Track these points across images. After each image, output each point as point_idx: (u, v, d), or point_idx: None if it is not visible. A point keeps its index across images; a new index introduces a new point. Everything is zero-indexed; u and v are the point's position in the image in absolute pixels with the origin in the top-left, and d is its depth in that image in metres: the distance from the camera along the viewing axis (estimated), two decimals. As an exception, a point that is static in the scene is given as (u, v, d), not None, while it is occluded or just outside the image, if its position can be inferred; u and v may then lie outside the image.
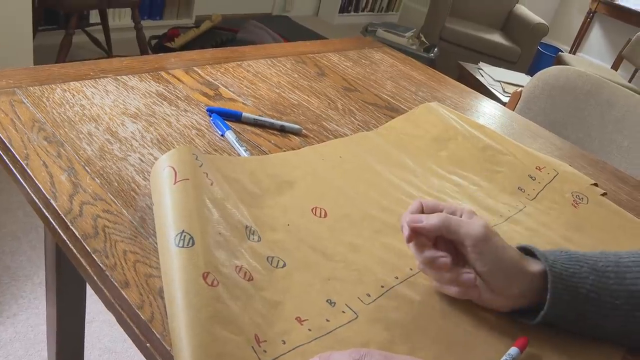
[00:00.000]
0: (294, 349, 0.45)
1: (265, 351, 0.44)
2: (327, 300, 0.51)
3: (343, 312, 0.50)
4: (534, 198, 0.78)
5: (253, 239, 0.55)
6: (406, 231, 0.53)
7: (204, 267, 0.46)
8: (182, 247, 0.47)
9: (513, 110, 1.31)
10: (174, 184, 0.53)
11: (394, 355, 0.43)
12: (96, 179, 0.60)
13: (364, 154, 0.77)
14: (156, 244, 0.52)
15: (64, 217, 0.54)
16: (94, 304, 1.82)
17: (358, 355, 0.42)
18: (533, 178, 0.82)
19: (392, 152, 0.79)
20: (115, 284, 0.48)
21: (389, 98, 1.01)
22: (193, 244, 0.48)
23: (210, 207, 0.53)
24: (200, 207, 0.52)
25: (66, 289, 1.01)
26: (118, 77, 0.82)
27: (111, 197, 0.58)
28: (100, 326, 1.74)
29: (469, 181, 0.77)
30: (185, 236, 0.48)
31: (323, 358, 0.44)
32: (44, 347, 1.31)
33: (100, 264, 0.50)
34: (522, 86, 1.45)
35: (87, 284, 1.09)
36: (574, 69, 1.27)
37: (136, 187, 0.60)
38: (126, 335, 1.83)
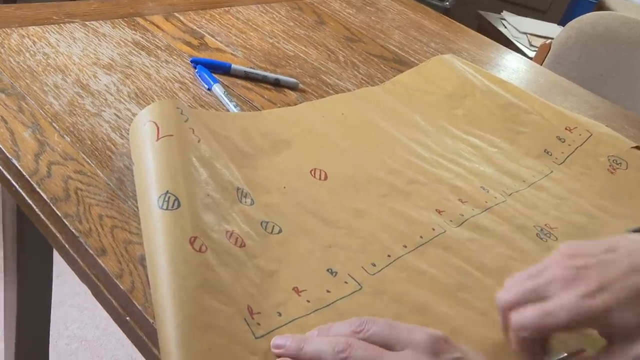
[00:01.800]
0: (290, 321, 0.47)
1: (258, 324, 0.46)
2: (327, 270, 0.53)
3: (345, 282, 0.52)
4: (563, 162, 0.79)
5: (245, 202, 0.56)
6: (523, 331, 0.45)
7: (191, 231, 0.48)
8: (167, 209, 0.49)
9: (541, 65, 1.32)
10: (157, 140, 0.54)
11: (401, 323, 0.45)
12: (66, 137, 0.61)
13: (369, 111, 0.78)
14: (136, 207, 0.54)
15: (28, 178, 0.55)
16: (60, 286, 1.85)
17: (360, 324, 0.45)
18: (562, 140, 0.83)
19: (401, 109, 0.81)
20: (91, 251, 0.50)
21: (396, 50, 1.02)
22: (179, 205, 0.49)
23: (197, 167, 0.55)
24: (186, 166, 0.53)
25: (29, 265, 1.01)
26: (87, 22, 0.83)
27: (84, 156, 0.59)
28: (68, 311, 1.78)
29: (487, 142, 0.79)
30: (169, 197, 0.50)
31: (322, 331, 0.46)
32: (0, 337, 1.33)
33: (73, 230, 0.51)
34: (552, 38, 1.46)
35: (53, 261, 1.11)
36: (617, 15, 1.26)
37: (112, 146, 0.61)
38: (99, 321, 1.86)
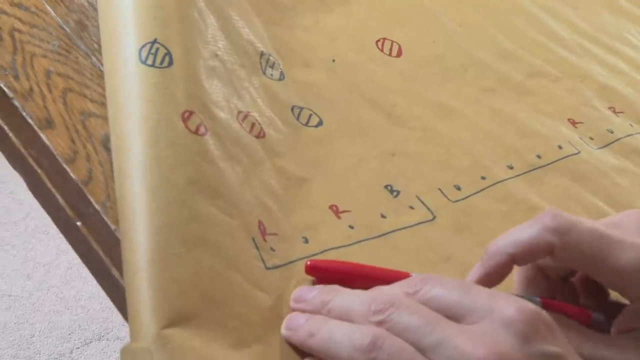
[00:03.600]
0: (321, 252, 0.50)
1: (272, 249, 0.49)
2: (385, 187, 0.56)
3: (411, 207, 0.55)
4: None
5: (272, 74, 0.59)
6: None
7: (185, 102, 0.51)
8: (152, 65, 0.51)
9: None
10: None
11: (479, 286, 0.45)
12: (2, -51, 0.63)
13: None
14: (102, 64, 0.56)
15: (-62, 8, 0.58)
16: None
17: (417, 282, 0.45)
18: None
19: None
20: (30, 121, 0.53)
21: None
22: (170, 63, 0.52)
23: (203, 12, 0.57)
24: (186, 8, 0.56)
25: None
26: None
27: (28, -18, 0.62)
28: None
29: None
30: (158, 49, 0.52)
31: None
32: None
33: (5, 89, 0.55)
34: None
35: None
36: None
37: (73, -29, 0.64)
38: (33, 268, 1.96)
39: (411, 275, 0.48)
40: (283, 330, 0.46)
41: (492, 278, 0.48)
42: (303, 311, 0.47)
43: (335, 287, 0.47)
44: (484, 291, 0.44)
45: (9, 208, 1.91)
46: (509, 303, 0.43)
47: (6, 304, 1.75)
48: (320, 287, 0.47)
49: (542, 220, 0.47)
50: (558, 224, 0.46)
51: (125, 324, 0.44)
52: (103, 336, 1.70)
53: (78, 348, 1.69)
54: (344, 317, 0.44)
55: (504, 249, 0.48)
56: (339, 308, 0.45)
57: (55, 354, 1.68)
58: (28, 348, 1.69)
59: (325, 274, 0.48)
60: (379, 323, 0.43)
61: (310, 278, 0.49)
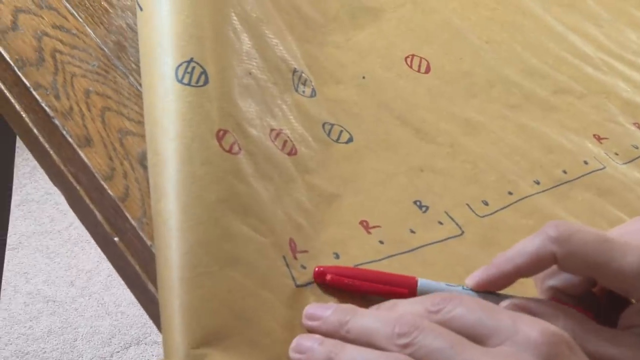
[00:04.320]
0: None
1: (303, 267, 0.49)
2: (415, 202, 0.56)
3: (440, 222, 0.55)
4: None
5: (303, 91, 0.59)
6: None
7: (220, 121, 0.51)
8: (188, 84, 0.51)
9: None
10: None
11: (503, 308, 0.45)
12: (44, -26, 0.64)
13: (510, -22, 0.79)
14: (140, 84, 0.57)
15: (-18, 29, 0.59)
16: (22, 219, 1.94)
17: (439, 301, 0.44)
18: None
19: (561, -21, 0.81)
20: (70, 140, 0.54)
21: None
22: (206, 81, 0.52)
23: (238, 30, 0.57)
24: (221, 26, 0.56)
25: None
26: None
27: (68, 6, 0.63)
28: (32, 256, 1.86)
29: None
30: (194, 68, 0.52)
31: (385, 307, 0.47)
32: None
33: (46, 108, 0.55)
34: None
35: (13, 178, 1.15)
36: None
37: (112, -6, 0.64)
38: (76, 275, 1.96)
39: (416, 280, 0.48)
40: (292, 354, 0.44)
41: (493, 283, 0.48)
42: (317, 331, 0.46)
43: (352, 307, 0.46)
44: (507, 313, 0.43)
45: (54, 218, 1.92)
46: (533, 325, 0.42)
47: (51, 309, 1.76)
48: (335, 306, 0.46)
49: (545, 231, 0.46)
50: (559, 233, 0.46)
51: (162, 329, 0.44)
52: (141, 340, 1.71)
53: (118, 352, 1.70)
54: (364, 339, 0.43)
55: (511, 258, 0.47)
56: (358, 329, 0.44)
57: (97, 358, 1.69)
58: (71, 352, 1.70)
59: (333, 279, 0.48)
60: (404, 346, 0.42)
61: (328, 298, 0.48)
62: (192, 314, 0.42)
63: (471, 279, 0.49)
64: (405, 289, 0.48)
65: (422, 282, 0.48)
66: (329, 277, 0.48)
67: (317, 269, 0.48)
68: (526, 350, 0.41)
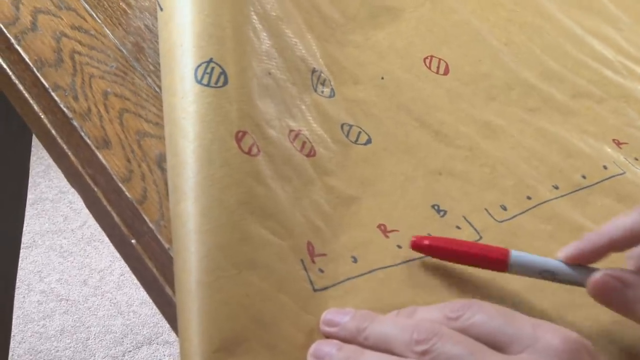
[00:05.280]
0: (369, 272, 0.49)
1: (321, 270, 0.48)
2: (432, 206, 0.55)
3: (457, 227, 0.54)
4: None
5: (322, 91, 0.59)
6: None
7: (239, 122, 0.50)
8: (207, 85, 0.51)
9: None
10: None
11: (522, 315, 0.44)
12: (63, -26, 0.64)
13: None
14: (158, 86, 0.57)
15: (3, 29, 0.59)
16: (36, 218, 1.95)
17: (459, 308, 0.44)
18: None
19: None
20: (88, 141, 0.53)
21: None
22: (225, 82, 0.51)
23: (258, 29, 0.57)
24: (241, 26, 0.55)
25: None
26: None
27: (86, 6, 0.62)
28: (46, 255, 1.86)
29: None
30: (213, 69, 0.52)
31: (404, 313, 0.47)
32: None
33: (65, 109, 0.55)
34: None
35: (28, 176, 1.15)
36: None
37: (130, -5, 0.64)
38: (89, 274, 1.95)
39: (509, 253, 0.48)
40: (310, 359, 0.44)
41: (585, 256, 0.48)
42: (335, 336, 0.45)
43: (370, 313, 0.46)
44: (527, 320, 0.43)
45: (68, 217, 1.93)
46: (554, 333, 0.42)
47: (64, 308, 1.76)
48: (353, 311, 0.46)
49: None
50: None
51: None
52: (153, 340, 1.71)
53: (130, 351, 1.70)
54: (382, 345, 0.43)
55: (606, 232, 0.47)
56: (377, 336, 0.44)
57: (109, 357, 1.70)
58: (84, 350, 1.70)
59: (432, 245, 0.50)
60: (423, 353, 0.41)
61: (345, 302, 0.47)
62: (210, 318, 0.42)
63: (563, 252, 0.49)
64: (498, 258, 0.49)
65: (515, 253, 0.48)
66: (427, 242, 0.50)
67: (414, 238, 0.50)
68: (547, 358, 0.41)
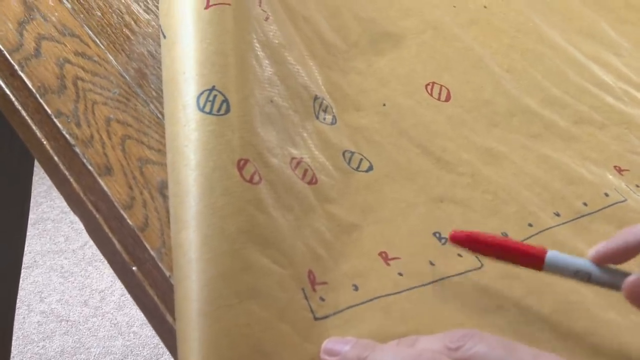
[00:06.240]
0: (370, 300, 0.49)
1: (322, 299, 0.48)
2: (434, 234, 0.54)
3: (459, 255, 0.53)
4: None
5: (324, 118, 0.59)
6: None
7: (241, 150, 0.50)
8: (210, 113, 0.51)
9: None
10: (205, 9, 0.56)
11: (523, 345, 0.44)
12: (65, 2, 0.64)
13: (527, 7, 0.78)
14: (161, 112, 0.57)
15: (7, 55, 0.59)
16: (37, 238, 1.95)
17: (459, 338, 0.44)
18: None
19: (581, 9, 0.80)
20: (90, 168, 0.53)
21: None
22: (227, 110, 0.51)
23: (260, 57, 0.57)
24: (243, 53, 0.55)
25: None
26: None
27: (90, 33, 0.62)
28: (46, 275, 1.86)
29: None
30: (215, 96, 0.52)
31: (405, 343, 0.46)
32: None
33: (67, 135, 0.55)
34: None
35: (30, 195, 1.15)
36: None
37: (132, 22, 0.64)
38: (89, 295, 1.95)
39: (546, 252, 0.48)
40: None
41: (615, 255, 0.48)
42: None
43: (372, 342, 0.45)
44: (527, 350, 0.43)
45: (69, 237, 1.92)
46: None
47: (64, 329, 1.75)
48: (354, 340, 0.46)
49: None
50: None
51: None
52: (154, 361, 1.71)
53: (130, 372, 1.70)
54: None
55: (636, 232, 0.47)
56: None
57: (109, 378, 1.69)
58: (84, 372, 1.70)
59: (470, 238, 0.50)
60: None
61: (346, 331, 0.47)
62: (211, 348, 0.42)
63: (593, 250, 0.48)
64: (535, 254, 0.49)
65: (551, 252, 0.49)
66: (467, 234, 0.50)
67: (453, 232, 0.50)
68: None
